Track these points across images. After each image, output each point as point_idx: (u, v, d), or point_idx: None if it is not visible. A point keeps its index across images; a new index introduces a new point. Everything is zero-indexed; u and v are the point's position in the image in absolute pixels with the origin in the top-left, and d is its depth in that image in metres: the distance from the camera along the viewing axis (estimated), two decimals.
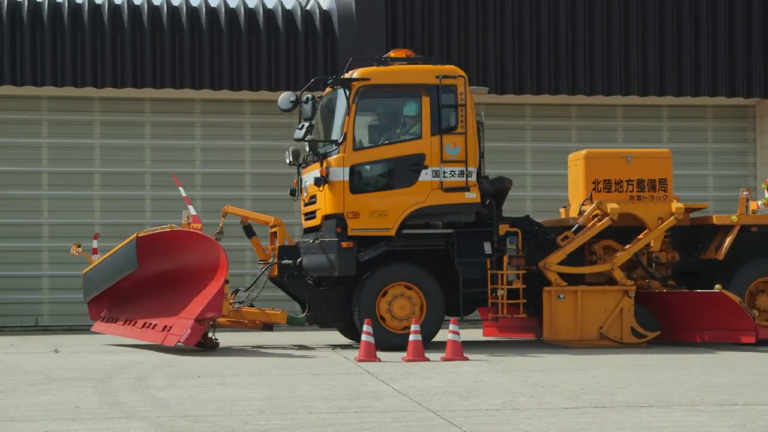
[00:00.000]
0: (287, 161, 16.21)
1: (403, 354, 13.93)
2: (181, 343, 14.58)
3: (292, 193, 16.62)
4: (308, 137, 15.44)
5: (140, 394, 10.72)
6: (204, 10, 21.08)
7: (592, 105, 22.59)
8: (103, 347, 16.19)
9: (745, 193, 16.73)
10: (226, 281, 14.85)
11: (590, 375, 12.21)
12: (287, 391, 10.82)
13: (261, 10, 21.30)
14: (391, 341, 15.16)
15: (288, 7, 21.68)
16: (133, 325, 15.82)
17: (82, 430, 8.61)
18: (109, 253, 16.55)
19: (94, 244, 17.30)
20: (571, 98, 22.09)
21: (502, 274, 15.56)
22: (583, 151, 16.84)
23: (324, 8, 21.82)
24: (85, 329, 18.81)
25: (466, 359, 13.76)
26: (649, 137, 22.66)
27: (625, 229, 16.29)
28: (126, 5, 20.97)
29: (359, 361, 13.60)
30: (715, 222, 16.46)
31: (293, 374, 12.35)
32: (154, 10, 21.00)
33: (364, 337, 13.87)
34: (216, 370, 12.72)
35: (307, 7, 22.09)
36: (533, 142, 22.66)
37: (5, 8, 20.52)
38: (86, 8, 20.82)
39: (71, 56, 20.58)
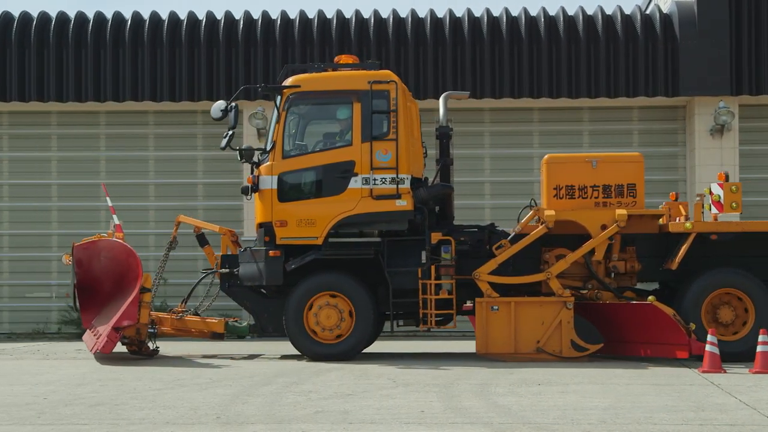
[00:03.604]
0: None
1: (750, 366, 13.50)
2: (99, 351, 14.70)
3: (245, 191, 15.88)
4: (243, 147, 15.36)
5: (482, 400, 10.93)
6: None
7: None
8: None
9: (697, 198, 15.19)
10: (146, 289, 14.94)
11: None
12: (630, 401, 10.73)
13: (599, 16, 21.23)
14: (317, 351, 15.06)
15: (627, 12, 21.48)
16: (92, 332, 15.94)
17: None
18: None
19: None
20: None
21: (430, 284, 14.90)
22: (546, 156, 15.78)
23: (664, 11, 21.47)
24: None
25: None
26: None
27: (582, 237, 15.21)
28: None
29: (703, 372, 13.29)
30: (670, 230, 15.02)
31: (636, 384, 12.22)
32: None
33: (708, 347, 13.53)
34: (557, 378, 12.77)
35: (647, 11, 21.81)
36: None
37: None
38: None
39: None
